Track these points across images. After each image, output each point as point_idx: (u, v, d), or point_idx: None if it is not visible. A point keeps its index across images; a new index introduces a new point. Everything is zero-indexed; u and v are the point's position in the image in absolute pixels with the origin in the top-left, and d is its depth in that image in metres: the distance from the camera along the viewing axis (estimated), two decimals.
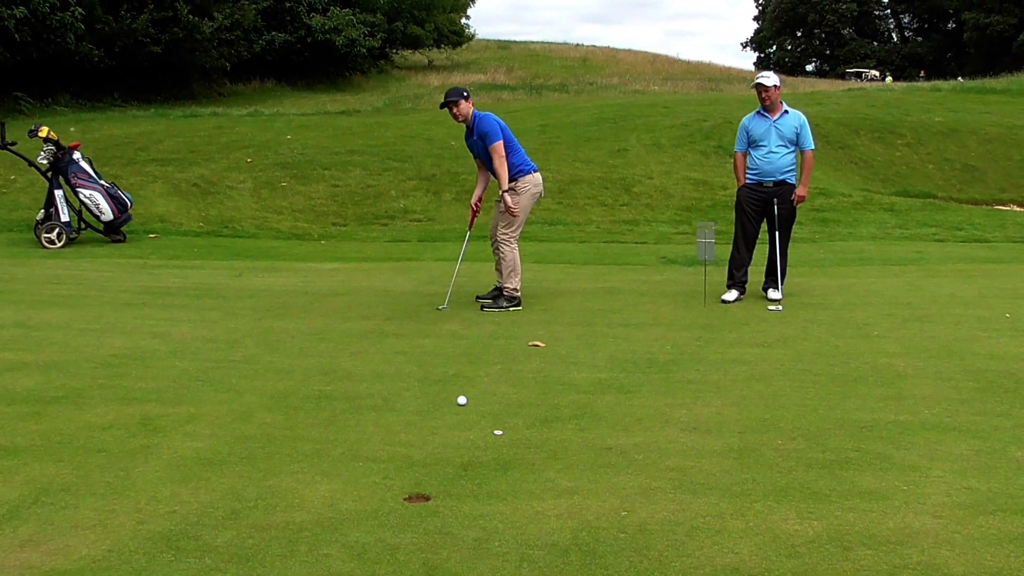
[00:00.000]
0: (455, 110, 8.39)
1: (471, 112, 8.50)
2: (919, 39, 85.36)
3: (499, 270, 8.61)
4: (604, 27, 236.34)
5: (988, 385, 5.90)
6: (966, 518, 3.92)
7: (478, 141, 8.46)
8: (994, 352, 6.76)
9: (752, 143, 8.72)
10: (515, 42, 63.19)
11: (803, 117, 8.77)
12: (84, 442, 4.86)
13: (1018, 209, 17.70)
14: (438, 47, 49.86)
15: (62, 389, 5.82)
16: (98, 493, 4.21)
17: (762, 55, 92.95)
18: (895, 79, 58.85)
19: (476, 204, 8.76)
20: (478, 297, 8.82)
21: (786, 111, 8.68)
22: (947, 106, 24.45)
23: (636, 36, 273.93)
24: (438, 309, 8.48)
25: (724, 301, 8.75)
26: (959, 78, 49.00)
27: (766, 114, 8.69)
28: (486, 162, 8.54)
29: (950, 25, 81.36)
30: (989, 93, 28.51)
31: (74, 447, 4.79)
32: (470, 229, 9.10)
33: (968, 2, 68.15)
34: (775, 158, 8.63)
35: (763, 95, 8.63)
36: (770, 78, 8.67)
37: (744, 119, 8.90)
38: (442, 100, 8.50)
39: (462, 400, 4.37)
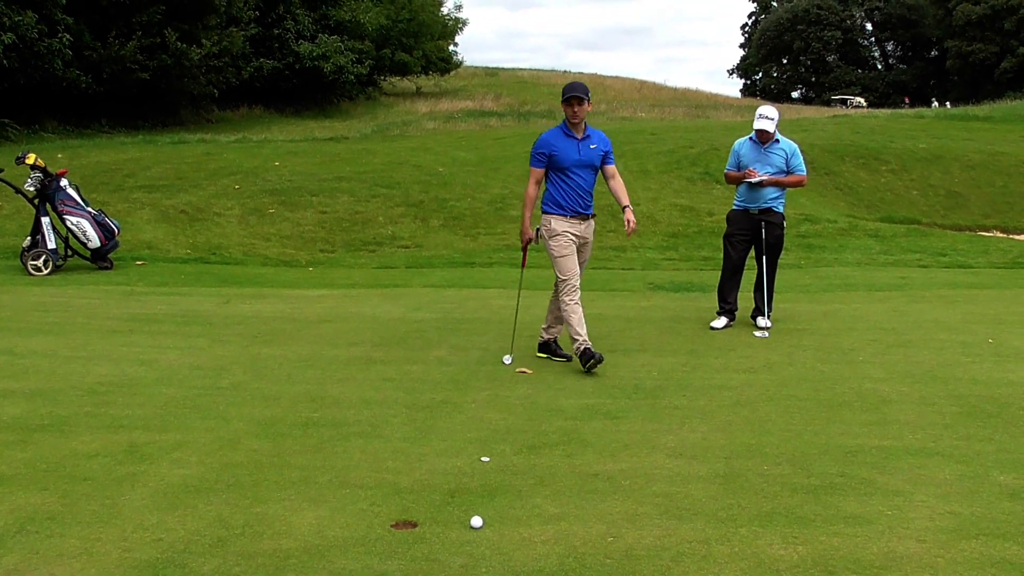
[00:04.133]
0: (577, 108, 7.06)
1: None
2: (903, 66, 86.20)
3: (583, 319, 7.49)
4: (594, 54, 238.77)
5: (971, 410, 5.95)
6: (949, 542, 3.95)
7: (595, 153, 7.21)
8: (977, 377, 6.81)
9: (741, 168, 8.77)
10: (503, 69, 63.69)
11: (795, 146, 8.83)
12: (70, 470, 4.85)
13: (1001, 235, 17.85)
14: (426, 74, 50.26)
15: (48, 417, 5.80)
16: (84, 521, 4.20)
17: (748, 82, 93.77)
18: (878, 106, 59.63)
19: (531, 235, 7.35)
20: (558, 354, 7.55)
21: (777, 140, 8.75)
22: (931, 133, 24.69)
23: (627, 63, 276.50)
24: (504, 362, 7.35)
25: (713, 328, 8.78)
26: (946, 104, 49.53)
27: (759, 142, 8.76)
28: (586, 180, 7.20)
29: (933, 53, 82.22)
30: (972, 120, 28.81)
31: (60, 475, 4.77)
32: (524, 265, 7.91)
33: (951, 30, 68.87)
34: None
35: (765, 137, 8.68)
36: (773, 121, 8.66)
37: (736, 143, 8.96)
38: (567, 92, 7.07)
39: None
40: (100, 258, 13.00)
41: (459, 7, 78.95)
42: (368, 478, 4.75)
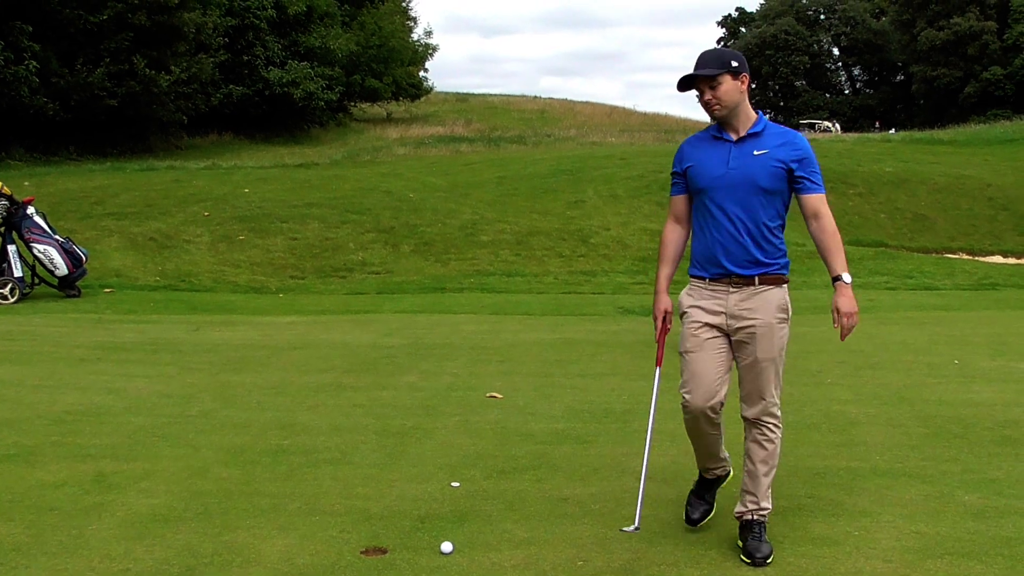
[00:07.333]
0: (710, 95, 3.95)
1: (744, 101, 4.01)
2: (870, 91, 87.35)
3: (761, 471, 4.16)
4: (566, 80, 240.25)
5: (937, 431, 6.01)
6: (915, 562, 3.98)
7: (761, 163, 3.97)
8: (943, 398, 6.89)
9: None
10: (473, 95, 63.94)
11: None
12: (36, 500, 4.79)
13: (967, 257, 18.09)
14: (396, 100, 50.36)
15: (14, 447, 5.73)
16: (50, 552, 4.15)
17: None
18: (847, 130, 60.50)
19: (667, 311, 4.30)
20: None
21: None
22: (897, 156, 24.99)
23: (598, 89, 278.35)
24: (626, 530, 4.40)
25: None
26: (891, 130, 50.38)
27: None
28: (743, 212, 3.99)
29: (899, 77, 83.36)
30: (937, 144, 29.21)
31: (25, 506, 4.72)
32: (659, 364, 4.56)
33: (915, 56, 69.85)
34: None
35: None
36: None
37: None
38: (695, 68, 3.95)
39: (447, 547, 4.01)
40: (68, 286, 12.91)
41: (429, 33, 79.52)
42: (338, 505, 4.73)
